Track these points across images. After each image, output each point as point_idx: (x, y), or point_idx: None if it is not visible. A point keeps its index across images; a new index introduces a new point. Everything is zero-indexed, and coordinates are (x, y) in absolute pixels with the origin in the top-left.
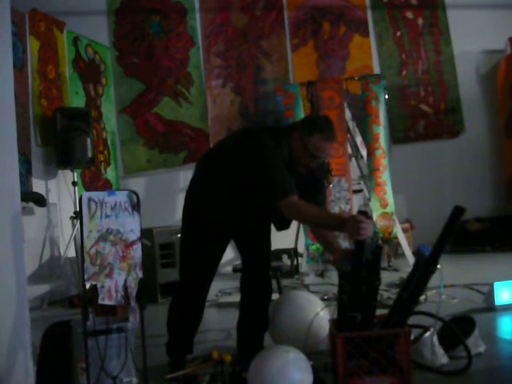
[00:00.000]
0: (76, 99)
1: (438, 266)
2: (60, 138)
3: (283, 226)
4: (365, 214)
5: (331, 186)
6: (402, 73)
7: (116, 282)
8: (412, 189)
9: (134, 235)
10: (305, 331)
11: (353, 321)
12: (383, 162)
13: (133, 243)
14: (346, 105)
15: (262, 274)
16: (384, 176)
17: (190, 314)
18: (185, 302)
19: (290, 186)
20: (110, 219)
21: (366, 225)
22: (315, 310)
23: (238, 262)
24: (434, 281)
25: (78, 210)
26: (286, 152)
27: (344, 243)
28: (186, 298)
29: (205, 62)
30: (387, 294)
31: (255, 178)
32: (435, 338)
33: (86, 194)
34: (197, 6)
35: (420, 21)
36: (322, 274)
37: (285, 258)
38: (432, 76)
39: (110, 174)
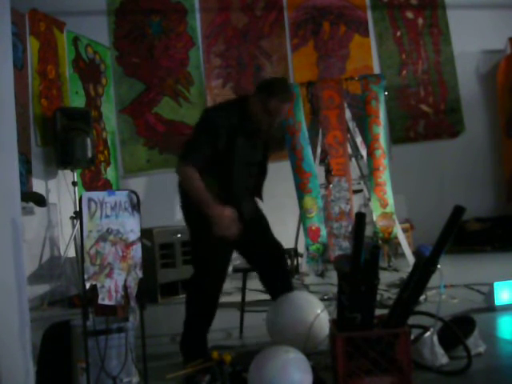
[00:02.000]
0: (76, 99)
1: (438, 266)
2: (60, 138)
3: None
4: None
5: (331, 186)
6: (402, 73)
7: (116, 282)
8: (412, 189)
9: (134, 235)
10: (305, 332)
11: (353, 321)
12: (383, 161)
13: (133, 243)
14: (346, 105)
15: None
16: (384, 176)
17: (211, 304)
18: (207, 296)
19: (197, 158)
20: (109, 219)
21: (230, 223)
22: (315, 311)
23: (238, 261)
24: (434, 281)
25: (78, 210)
26: (241, 116)
27: (344, 243)
28: (208, 291)
29: (205, 62)
30: (387, 294)
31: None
32: (435, 338)
33: (86, 194)
34: (197, 5)
35: (420, 21)
36: (322, 274)
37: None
38: (432, 76)
39: (109, 174)
